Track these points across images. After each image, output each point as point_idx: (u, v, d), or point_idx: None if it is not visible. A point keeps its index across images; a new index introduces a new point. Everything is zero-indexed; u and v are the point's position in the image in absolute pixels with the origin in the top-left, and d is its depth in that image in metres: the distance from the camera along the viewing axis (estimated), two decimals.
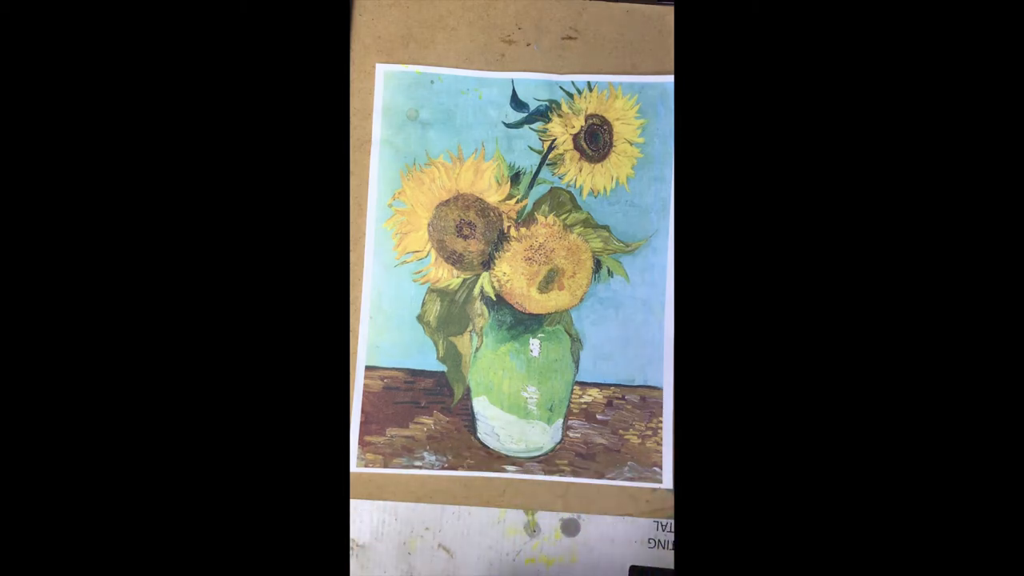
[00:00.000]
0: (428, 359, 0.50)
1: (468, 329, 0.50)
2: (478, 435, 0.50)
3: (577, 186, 0.50)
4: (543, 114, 0.51)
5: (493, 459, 0.49)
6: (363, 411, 0.50)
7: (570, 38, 0.51)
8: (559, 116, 0.51)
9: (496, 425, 0.50)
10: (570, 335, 0.50)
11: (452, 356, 0.50)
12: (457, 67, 0.51)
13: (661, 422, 0.50)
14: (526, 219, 0.50)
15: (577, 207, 0.50)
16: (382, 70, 0.51)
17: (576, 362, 0.50)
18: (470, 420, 0.50)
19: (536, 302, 0.50)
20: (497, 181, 0.50)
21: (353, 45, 0.51)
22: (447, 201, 0.50)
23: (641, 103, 0.51)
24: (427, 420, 0.50)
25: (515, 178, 0.50)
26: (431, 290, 0.50)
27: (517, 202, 0.50)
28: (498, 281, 0.50)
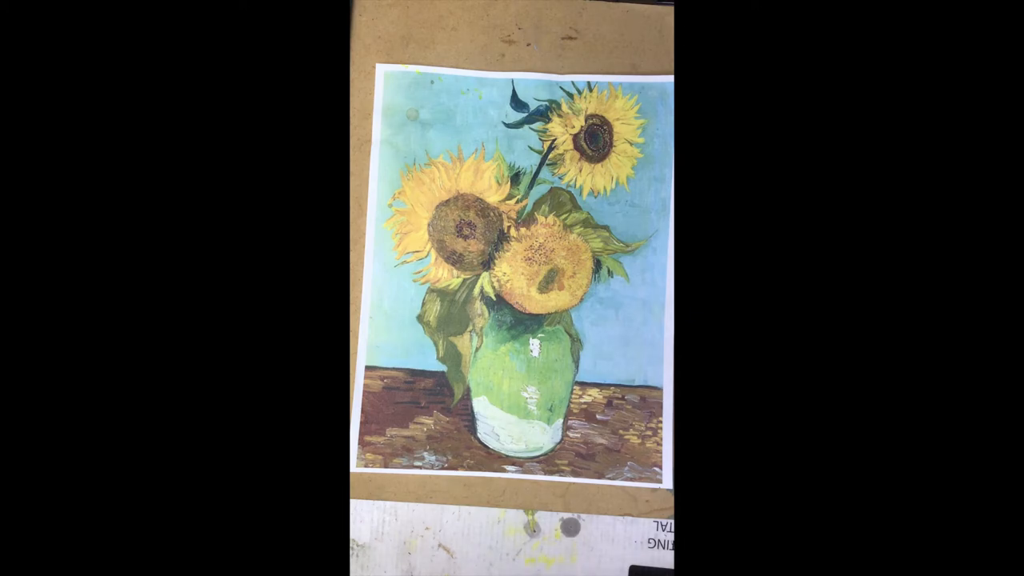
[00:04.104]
0: (428, 359, 0.50)
1: (468, 329, 0.50)
2: (478, 435, 0.50)
3: (577, 186, 0.50)
4: (543, 114, 0.51)
5: (493, 459, 0.49)
6: (363, 411, 0.50)
7: (570, 38, 0.51)
8: (559, 116, 0.51)
9: (496, 425, 0.50)
10: (570, 335, 0.50)
11: (452, 356, 0.50)
12: (457, 67, 0.51)
13: (661, 422, 0.50)
14: (526, 219, 0.50)
15: (577, 207, 0.50)
16: (382, 70, 0.51)
17: (576, 362, 0.50)
18: (470, 420, 0.50)
19: (536, 302, 0.50)
20: (497, 181, 0.50)
21: (353, 45, 0.51)
22: (447, 201, 0.50)
23: (641, 103, 0.51)
24: (427, 420, 0.50)
25: (515, 178, 0.50)
26: (431, 290, 0.50)
27: (517, 202, 0.50)
28: (498, 281, 0.50)
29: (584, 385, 0.50)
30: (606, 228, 0.50)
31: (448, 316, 0.50)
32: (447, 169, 0.51)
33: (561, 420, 0.50)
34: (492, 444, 0.50)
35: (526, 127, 0.51)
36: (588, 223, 0.50)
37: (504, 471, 0.49)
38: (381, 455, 0.49)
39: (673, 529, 0.49)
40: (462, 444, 0.50)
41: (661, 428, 0.50)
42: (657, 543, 0.49)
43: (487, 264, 0.50)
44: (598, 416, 0.50)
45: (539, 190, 0.50)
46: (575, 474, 0.49)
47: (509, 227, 0.50)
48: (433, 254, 0.50)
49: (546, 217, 0.50)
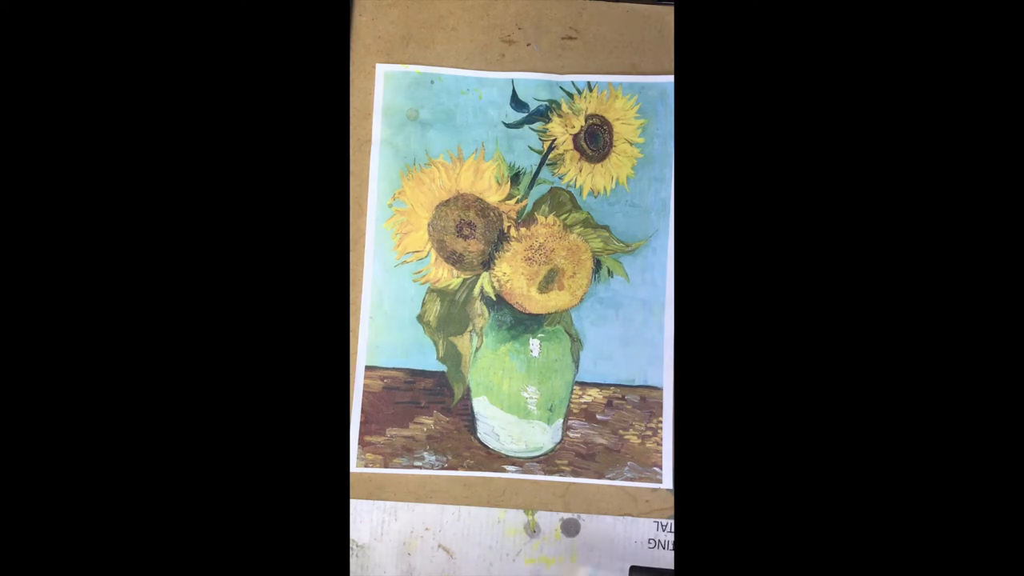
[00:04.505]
0: (428, 359, 0.50)
1: (468, 329, 0.50)
2: (478, 435, 0.50)
3: (577, 186, 0.50)
4: (543, 114, 0.51)
5: (493, 459, 0.49)
6: (363, 411, 0.50)
7: (570, 38, 0.51)
8: (559, 116, 0.51)
9: (496, 425, 0.50)
10: (570, 335, 0.50)
11: (452, 356, 0.50)
12: (457, 67, 0.51)
13: (661, 422, 0.50)
14: (526, 219, 0.50)
15: (577, 207, 0.50)
16: (382, 70, 0.51)
17: (576, 362, 0.50)
18: (470, 420, 0.50)
19: (536, 302, 0.50)
20: (497, 181, 0.50)
21: (353, 45, 0.51)
22: (447, 201, 0.50)
23: (641, 103, 0.51)
24: (427, 420, 0.50)
25: (515, 178, 0.50)
26: (431, 290, 0.50)
27: (517, 202, 0.50)
28: (498, 281, 0.50)
29: (584, 385, 0.50)
30: (606, 228, 0.50)
31: (448, 316, 0.50)
32: (447, 169, 0.51)
33: (561, 420, 0.50)
34: (492, 444, 0.50)
35: (526, 127, 0.51)
36: (588, 223, 0.50)
37: (504, 471, 0.49)
38: (381, 455, 0.49)
39: (673, 529, 0.49)
40: (462, 444, 0.50)
41: (661, 428, 0.50)
42: (657, 543, 0.49)
43: (487, 264, 0.50)
44: (598, 416, 0.50)
45: (539, 190, 0.50)
46: (575, 474, 0.49)
47: (509, 227, 0.50)
48: (433, 254, 0.50)
49: (546, 217, 0.50)
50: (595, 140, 0.51)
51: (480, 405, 0.50)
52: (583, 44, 0.51)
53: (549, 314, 0.50)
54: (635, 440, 0.50)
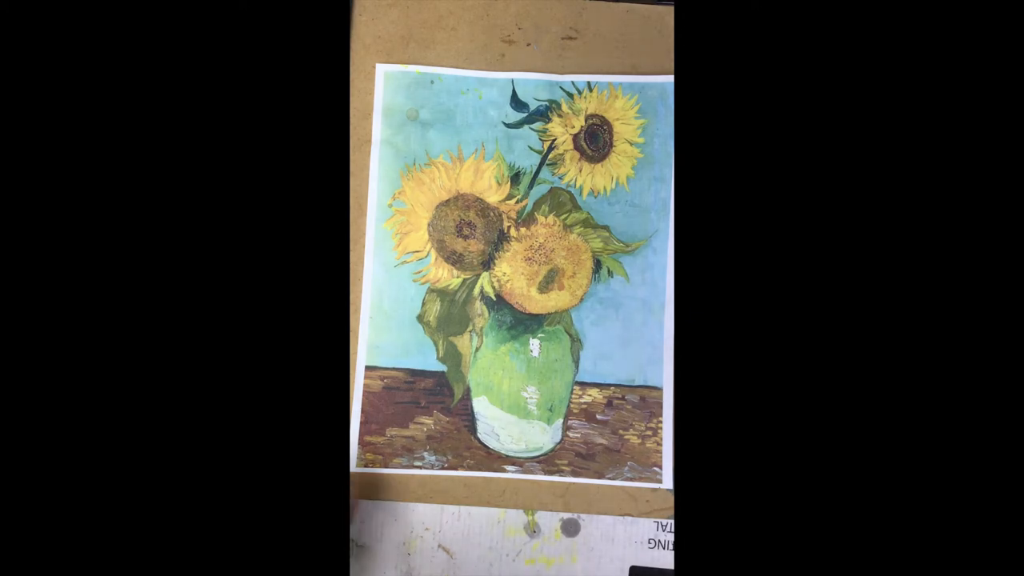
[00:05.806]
0: (428, 359, 0.50)
1: (468, 329, 0.50)
2: (478, 435, 0.50)
3: (577, 186, 0.50)
4: (543, 114, 0.51)
5: (493, 459, 0.49)
6: (363, 411, 0.50)
7: (570, 38, 0.51)
8: (559, 116, 0.51)
9: (496, 425, 0.50)
10: (570, 335, 0.50)
11: (452, 356, 0.50)
12: (457, 67, 0.51)
13: (661, 422, 0.50)
14: (526, 219, 0.50)
15: (577, 207, 0.50)
16: (382, 70, 0.51)
17: (576, 362, 0.50)
18: (470, 420, 0.50)
19: (536, 302, 0.50)
20: (497, 181, 0.50)
21: (353, 45, 0.51)
22: (447, 201, 0.50)
23: (641, 103, 0.51)
24: (427, 420, 0.50)
25: (515, 178, 0.50)
26: (431, 290, 0.50)
27: (517, 202, 0.50)
28: (498, 281, 0.50)
29: (584, 385, 0.50)
30: (606, 228, 0.50)
31: (448, 316, 0.50)
32: (447, 169, 0.51)
33: (561, 420, 0.50)
34: (492, 444, 0.50)
35: (526, 127, 0.51)
36: (588, 223, 0.50)
37: (504, 471, 0.49)
38: (381, 455, 0.49)
39: (673, 529, 0.49)
40: (462, 444, 0.50)
41: (661, 428, 0.50)
42: (657, 543, 0.49)
43: (487, 264, 0.50)
44: (598, 416, 0.50)
45: (539, 190, 0.50)
46: (575, 474, 0.49)
47: (509, 227, 0.50)
48: (433, 254, 0.50)
49: (546, 217, 0.50)
50: (595, 140, 0.51)
51: (480, 405, 0.50)
52: (583, 44, 0.51)
53: (549, 314, 0.50)
54: (635, 440, 0.50)
